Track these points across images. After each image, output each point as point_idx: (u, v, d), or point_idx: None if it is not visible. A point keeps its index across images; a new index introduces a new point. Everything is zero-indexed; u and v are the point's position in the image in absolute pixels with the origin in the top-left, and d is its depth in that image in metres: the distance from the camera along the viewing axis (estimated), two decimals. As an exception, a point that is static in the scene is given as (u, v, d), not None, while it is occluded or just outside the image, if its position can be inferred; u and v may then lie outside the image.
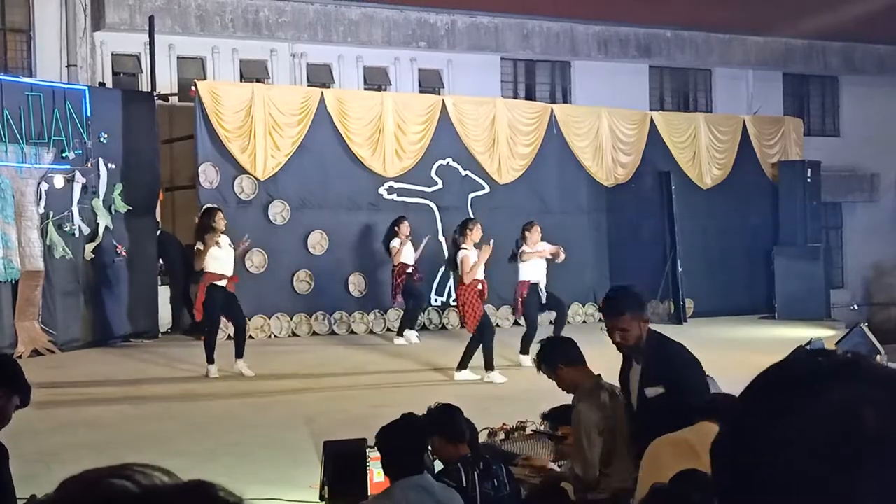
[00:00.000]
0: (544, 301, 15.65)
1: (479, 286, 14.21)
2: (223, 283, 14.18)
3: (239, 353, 14.37)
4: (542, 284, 15.59)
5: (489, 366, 13.99)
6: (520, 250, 15.65)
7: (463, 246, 14.33)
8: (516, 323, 18.94)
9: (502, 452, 8.32)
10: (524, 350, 15.16)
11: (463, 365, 14.10)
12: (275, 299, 18.08)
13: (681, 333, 19.17)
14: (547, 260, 15.78)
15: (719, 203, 22.20)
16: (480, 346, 14.03)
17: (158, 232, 18.24)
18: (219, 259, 14.17)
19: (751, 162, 22.78)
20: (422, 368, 15.17)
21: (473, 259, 14.16)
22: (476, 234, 14.42)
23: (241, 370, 14.27)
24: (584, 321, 20.58)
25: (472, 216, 17.36)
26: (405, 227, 17.60)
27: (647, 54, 26.98)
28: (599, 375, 7.30)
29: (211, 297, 14.10)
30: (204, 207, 15.53)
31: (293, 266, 18.49)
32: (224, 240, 14.37)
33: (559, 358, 7.31)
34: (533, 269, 15.57)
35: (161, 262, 18.31)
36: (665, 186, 21.52)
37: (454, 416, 6.72)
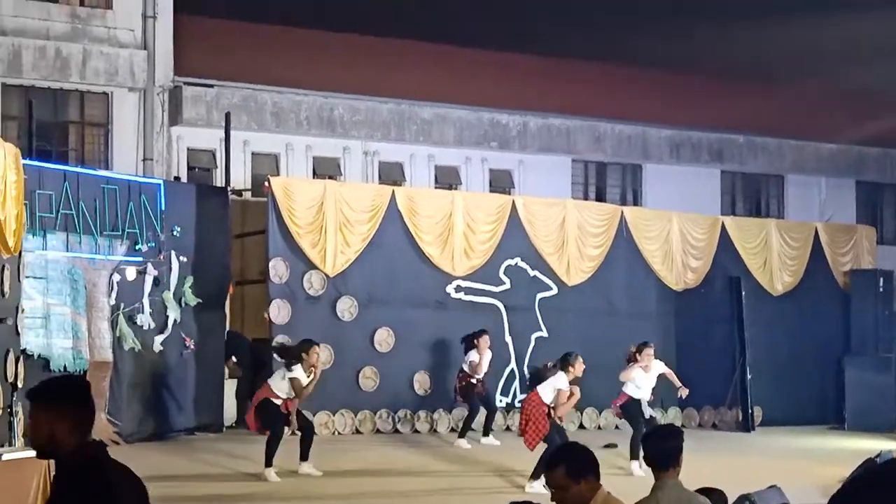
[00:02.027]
0: (647, 416, 15.55)
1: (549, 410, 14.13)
2: (279, 401, 14.32)
3: (304, 457, 14.37)
4: (646, 399, 15.56)
5: (536, 475, 13.65)
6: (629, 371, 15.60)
7: (562, 377, 14.27)
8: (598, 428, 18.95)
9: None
10: (634, 455, 15.07)
11: (536, 475, 13.74)
12: (340, 396, 18.04)
13: (749, 441, 19.07)
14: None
15: (790, 310, 21.90)
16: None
17: (227, 330, 18.35)
18: (281, 389, 14.35)
19: (822, 269, 22.51)
20: (486, 471, 14.96)
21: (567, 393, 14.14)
22: (579, 368, 14.40)
23: (308, 472, 14.24)
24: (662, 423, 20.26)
25: (539, 322, 17.40)
26: (485, 341, 17.65)
27: (719, 159, 26.97)
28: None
29: (267, 406, 14.24)
30: (303, 339, 15.29)
31: (359, 363, 18.47)
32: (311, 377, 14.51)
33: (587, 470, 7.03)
34: (641, 390, 15.65)
35: (234, 358, 18.41)
36: (735, 292, 21.31)
37: None
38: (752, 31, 26.40)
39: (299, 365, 14.32)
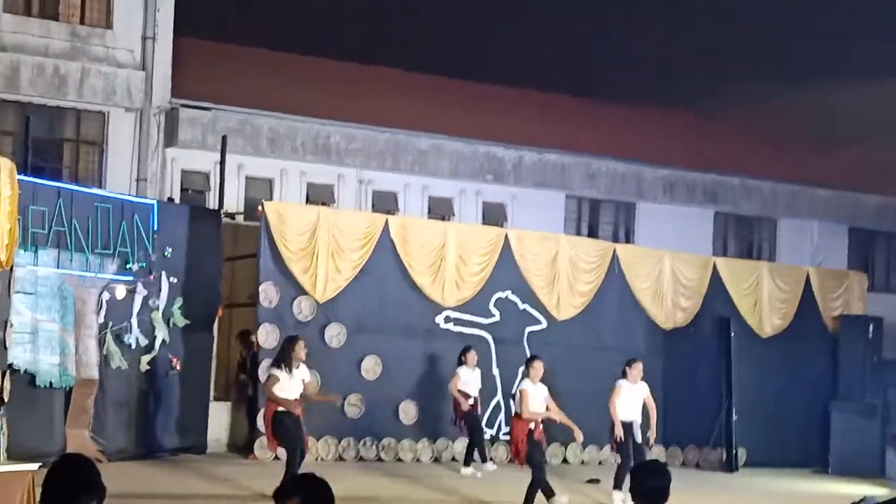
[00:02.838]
0: (638, 441, 15.49)
1: (532, 426, 14.01)
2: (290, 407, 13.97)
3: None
4: (637, 423, 15.44)
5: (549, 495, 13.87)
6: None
7: (525, 382, 14.35)
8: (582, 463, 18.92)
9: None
10: (616, 485, 15.18)
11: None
12: (324, 422, 17.96)
13: (732, 482, 19.03)
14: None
15: (778, 353, 21.91)
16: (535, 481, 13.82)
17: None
18: (286, 389, 13.94)
19: (812, 314, 22.54)
20: (478, 499, 14.93)
21: (533, 396, 14.03)
22: (535, 370, 14.34)
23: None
24: (655, 459, 20.24)
25: (528, 354, 17.33)
26: (472, 356, 17.75)
27: (712, 200, 27.06)
28: None
29: (280, 422, 13.86)
30: (287, 335, 15.39)
31: (345, 389, 18.40)
32: (301, 369, 14.19)
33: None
34: (627, 407, 15.43)
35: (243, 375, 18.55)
36: (724, 333, 21.35)
37: None
38: (749, 79, 26.59)
39: (280, 365, 14.03)
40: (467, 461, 17.63)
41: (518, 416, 14.20)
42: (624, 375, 15.69)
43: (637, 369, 15.74)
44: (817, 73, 24.36)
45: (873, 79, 29.27)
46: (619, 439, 15.27)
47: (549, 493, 13.96)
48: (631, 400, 15.50)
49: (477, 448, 17.77)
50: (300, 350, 14.22)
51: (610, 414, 15.38)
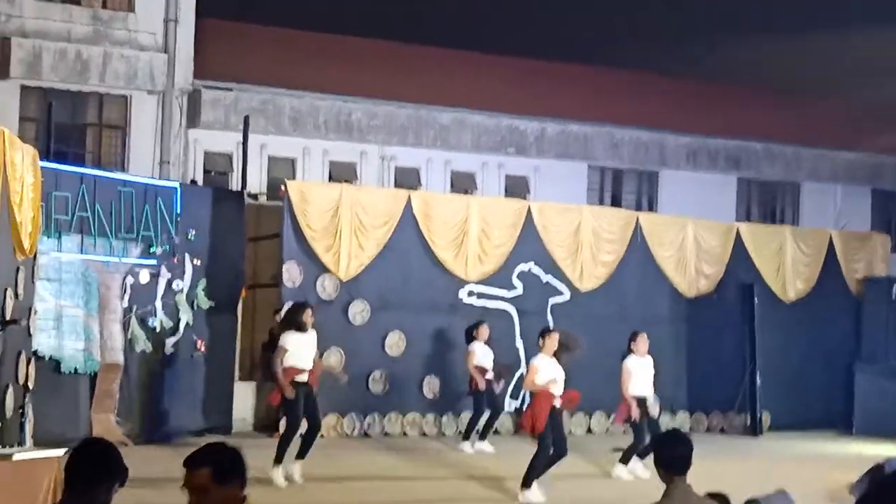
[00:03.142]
0: (653, 415, 15.44)
1: (556, 402, 13.64)
2: (304, 377, 13.91)
3: (301, 454, 14.00)
4: (651, 398, 15.38)
5: (527, 483, 13.46)
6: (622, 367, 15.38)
7: (539, 356, 13.91)
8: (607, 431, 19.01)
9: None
10: (625, 460, 15.21)
11: (527, 483, 13.54)
12: (349, 398, 18.17)
13: (756, 446, 19.11)
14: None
15: (802, 317, 21.91)
16: (538, 459, 13.60)
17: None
18: (300, 352, 13.93)
19: (835, 277, 22.50)
20: (493, 475, 15.03)
21: (544, 369, 13.69)
22: (549, 343, 13.90)
23: (293, 473, 13.91)
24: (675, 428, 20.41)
25: (550, 325, 17.32)
26: (484, 331, 17.72)
27: (735, 166, 27.02)
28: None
29: (294, 397, 13.79)
30: (293, 303, 15.55)
31: (369, 366, 18.62)
32: (310, 335, 14.21)
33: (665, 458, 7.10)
34: (641, 382, 15.36)
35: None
36: (748, 299, 21.38)
37: None
38: (771, 43, 26.43)
39: (289, 331, 14.03)
40: (483, 434, 17.68)
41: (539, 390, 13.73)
42: (629, 350, 15.52)
43: (643, 342, 15.58)
44: (836, 22, 24.23)
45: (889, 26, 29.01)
46: (634, 420, 15.21)
47: (527, 483, 13.50)
48: (641, 375, 15.35)
49: (485, 423, 17.71)
50: (307, 317, 14.19)
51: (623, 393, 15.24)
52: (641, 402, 15.22)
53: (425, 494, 13.73)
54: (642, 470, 15.04)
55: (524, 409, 14.36)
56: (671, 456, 7.01)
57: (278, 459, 13.84)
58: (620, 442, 18.02)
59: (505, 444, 17.81)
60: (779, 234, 22.56)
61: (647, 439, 15.09)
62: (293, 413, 13.94)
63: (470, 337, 17.76)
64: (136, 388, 16.65)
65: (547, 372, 13.67)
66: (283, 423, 14.87)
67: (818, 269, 22.39)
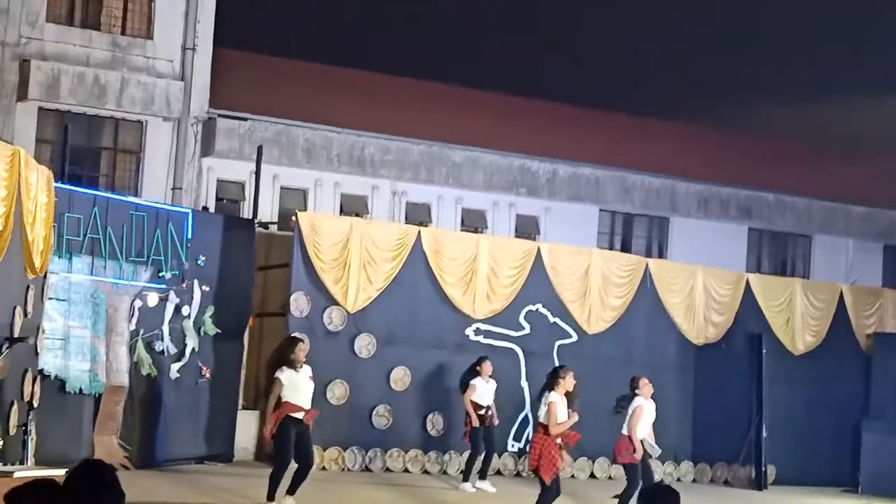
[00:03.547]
0: (654, 456, 15.32)
1: (560, 441, 13.56)
2: (300, 415, 13.72)
3: (291, 490, 13.75)
4: (652, 440, 15.26)
5: None
6: (633, 407, 15.11)
7: (553, 391, 13.68)
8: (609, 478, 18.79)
9: None
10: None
11: None
12: (352, 432, 18.09)
13: (761, 500, 18.95)
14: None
15: (810, 370, 21.78)
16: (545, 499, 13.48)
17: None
18: (298, 389, 13.74)
19: (845, 331, 22.39)
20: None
21: (562, 409, 13.56)
22: (568, 382, 13.77)
23: None
24: (662, 479, 20.22)
25: (559, 364, 17.14)
26: (487, 367, 17.62)
27: (747, 216, 27.01)
28: None
29: (286, 431, 13.58)
30: (287, 337, 15.43)
31: (374, 400, 18.54)
32: (305, 370, 13.97)
33: None
34: (646, 427, 15.13)
35: None
36: (756, 349, 21.27)
37: None
38: (787, 97, 26.51)
39: (283, 367, 13.79)
40: (481, 475, 17.53)
41: (545, 429, 13.62)
42: (634, 393, 15.20)
43: (647, 385, 15.31)
44: (853, 87, 24.27)
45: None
46: (637, 458, 15.05)
47: None
48: (648, 418, 15.18)
49: (483, 462, 17.51)
50: (300, 352, 13.97)
51: (629, 433, 15.00)
52: (642, 443, 15.05)
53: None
54: None
55: (531, 449, 14.08)
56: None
57: (270, 496, 13.69)
58: (623, 488, 17.93)
59: (506, 486, 17.68)
60: (789, 285, 22.47)
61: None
62: (283, 448, 13.70)
63: (473, 372, 17.65)
64: (139, 412, 16.58)
65: (563, 409, 13.55)
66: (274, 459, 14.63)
67: (828, 323, 22.29)
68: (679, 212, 26.46)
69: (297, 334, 16.02)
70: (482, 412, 17.32)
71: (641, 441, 14.94)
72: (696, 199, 26.58)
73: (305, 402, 13.83)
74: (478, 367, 17.60)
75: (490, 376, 17.59)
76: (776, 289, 22.18)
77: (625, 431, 15.02)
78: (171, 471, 16.61)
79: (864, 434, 21.52)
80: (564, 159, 25.55)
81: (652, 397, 15.48)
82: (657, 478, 19.66)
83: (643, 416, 15.05)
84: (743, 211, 26.95)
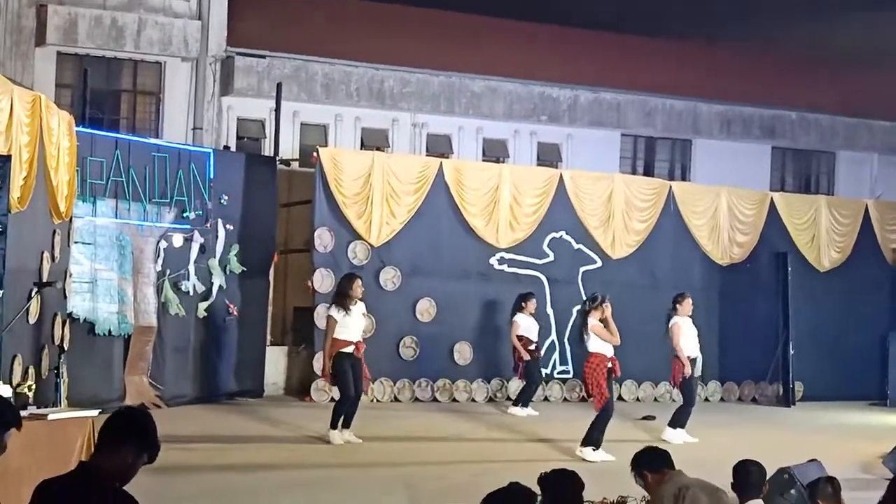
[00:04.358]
0: (697, 376, 15.53)
1: (609, 364, 13.80)
2: (350, 349, 14.17)
3: (346, 423, 14.25)
4: (699, 359, 15.45)
5: (588, 442, 13.69)
6: (670, 326, 15.43)
7: (590, 316, 14.00)
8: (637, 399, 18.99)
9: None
10: (674, 423, 15.18)
11: (587, 442, 13.72)
12: (379, 364, 18.22)
13: (789, 416, 19.08)
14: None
15: (836, 286, 21.80)
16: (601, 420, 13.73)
17: None
18: (348, 327, 14.17)
19: (870, 246, 22.37)
20: (527, 439, 15.10)
21: (685, 328, 14.44)
22: (606, 310, 14.06)
23: (348, 439, 14.18)
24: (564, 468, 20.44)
25: (582, 294, 17.28)
26: (531, 304, 17.91)
27: (770, 135, 26.86)
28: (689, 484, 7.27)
29: (341, 366, 14.08)
30: (344, 274, 15.72)
31: (400, 332, 18.71)
32: (358, 307, 14.40)
33: (645, 466, 7.38)
34: (691, 343, 15.40)
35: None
36: (781, 268, 21.30)
37: (572, 486, 6.44)
38: (808, 12, 26.15)
39: (336, 304, 14.30)
40: (523, 402, 17.79)
41: (592, 357, 13.84)
42: (674, 310, 15.52)
43: (688, 303, 15.61)
44: (876, 1, 23.98)
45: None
46: (686, 375, 15.21)
47: (587, 443, 13.73)
48: (690, 335, 15.43)
49: (527, 394, 17.87)
50: (357, 288, 14.41)
51: (676, 351, 15.26)
52: (692, 362, 15.24)
53: (454, 457, 13.77)
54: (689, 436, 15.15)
55: (585, 383, 14.32)
56: (650, 458, 7.30)
57: (333, 425, 14.15)
58: (651, 409, 18.11)
59: (551, 411, 17.87)
60: (814, 203, 22.42)
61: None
62: (343, 383, 14.21)
63: (518, 307, 17.84)
64: (169, 351, 16.80)
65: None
66: (336, 391, 15.27)
67: (853, 239, 22.27)
68: (702, 134, 26.32)
69: (350, 272, 16.21)
70: (531, 347, 17.60)
71: (693, 360, 15.18)
72: (718, 121, 26.43)
73: (354, 337, 14.29)
74: (522, 304, 17.82)
75: (532, 313, 17.79)
76: (801, 206, 22.14)
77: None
78: (203, 407, 16.85)
79: (891, 347, 21.54)
80: (585, 85, 25.41)
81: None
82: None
83: (682, 335, 15.19)
84: (766, 130, 26.79)
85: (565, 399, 19.49)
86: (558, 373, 19.64)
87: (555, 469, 6.61)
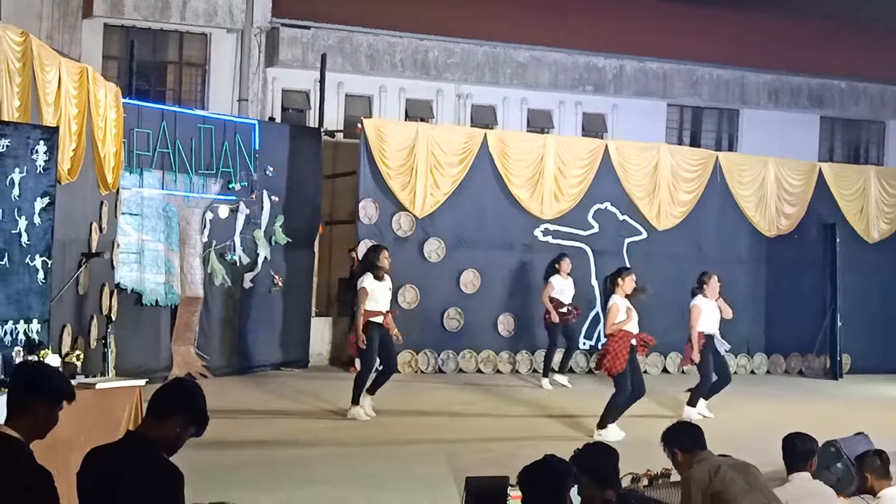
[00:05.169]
0: (722, 352, 15.30)
1: (633, 341, 13.46)
2: (380, 319, 13.94)
3: (371, 390, 14.08)
4: (718, 335, 15.23)
5: (603, 424, 13.37)
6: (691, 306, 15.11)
7: (614, 294, 13.66)
8: (682, 372, 18.87)
9: (646, 499, 8.24)
10: (692, 402, 15.02)
11: (603, 424, 13.42)
12: (424, 335, 18.33)
13: (836, 389, 18.95)
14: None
15: (885, 258, 21.56)
16: (617, 399, 13.46)
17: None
18: (376, 298, 13.95)
19: (921, 217, 22.12)
20: (568, 413, 15.07)
21: (622, 309, 13.49)
22: (628, 284, 13.68)
23: (364, 406, 14.04)
24: (736, 372, 20.32)
25: (626, 265, 17.05)
26: (566, 265, 17.76)
27: (818, 105, 26.59)
28: (719, 464, 7.23)
29: (370, 337, 13.82)
30: (370, 245, 15.47)
31: (444, 303, 18.73)
32: (386, 281, 14.14)
33: (676, 444, 7.32)
34: (709, 320, 15.09)
35: None
36: (830, 239, 21.09)
37: (606, 459, 6.40)
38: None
39: (368, 273, 14.00)
40: (562, 368, 17.80)
41: (616, 331, 13.48)
42: (701, 289, 15.13)
43: (714, 284, 15.14)
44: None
45: None
46: (693, 361, 15.06)
47: (604, 424, 13.41)
48: (710, 313, 15.03)
49: (563, 357, 17.83)
50: (384, 259, 14.12)
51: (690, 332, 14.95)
52: (709, 338, 15.00)
53: (496, 431, 13.79)
54: (707, 411, 15.01)
55: (602, 349, 14.10)
56: (686, 437, 7.26)
57: (355, 400, 13.97)
58: (695, 382, 18.02)
59: (579, 384, 17.85)
60: (863, 173, 22.16)
61: (714, 378, 15.05)
62: (368, 355, 13.96)
63: (552, 269, 17.78)
64: (215, 322, 16.94)
65: (624, 311, 13.54)
66: (357, 363, 14.98)
67: (903, 210, 22.03)
68: (749, 103, 26.10)
69: (375, 242, 16.07)
70: (563, 309, 17.46)
71: (710, 336, 14.95)
72: (766, 90, 26.18)
73: (384, 307, 14.06)
74: (557, 265, 17.75)
75: (569, 273, 17.72)
76: (849, 177, 21.90)
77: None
78: (249, 378, 16.97)
79: (939, 319, 21.34)
80: (631, 54, 25.23)
81: (723, 291, 15.43)
82: (731, 371, 19.83)
83: (702, 314, 14.98)
84: (814, 99, 26.52)
85: (590, 371, 19.23)
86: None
87: (587, 444, 6.61)
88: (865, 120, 27.29)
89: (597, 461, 6.31)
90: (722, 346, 15.17)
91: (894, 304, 21.57)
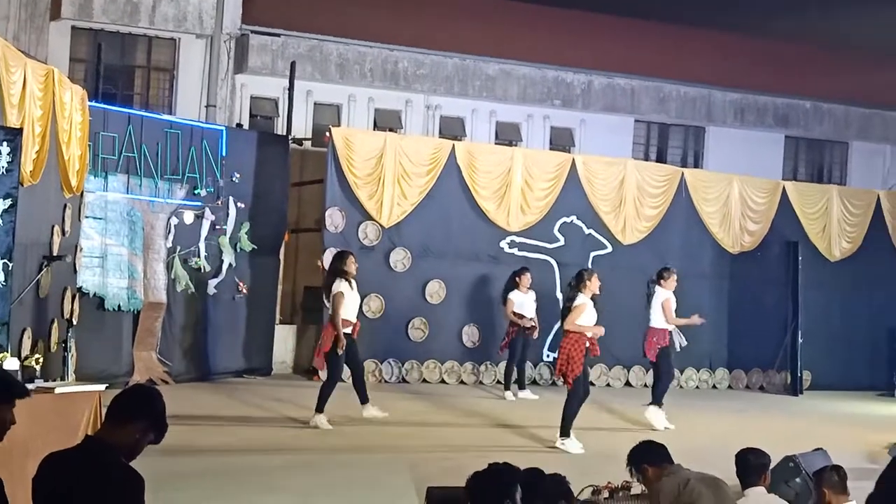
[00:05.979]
0: (678, 349, 15.44)
1: (588, 344, 13.34)
2: (348, 329, 13.91)
3: (364, 399, 14.22)
4: (677, 332, 15.40)
5: (566, 432, 13.29)
6: (655, 302, 15.38)
7: (580, 293, 13.46)
8: (644, 385, 18.95)
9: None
10: (656, 401, 15.07)
11: (565, 432, 13.34)
12: (388, 345, 18.33)
13: (796, 405, 19.06)
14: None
15: (846, 277, 21.79)
16: (571, 405, 13.36)
17: None
18: (347, 305, 13.90)
19: (882, 238, 22.31)
20: (530, 423, 15.08)
21: (589, 310, 13.40)
22: (594, 284, 13.58)
23: (374, 415, 14.16)
24: (698, 387, 20.53)
25: (583, 268, 17.03)
26: (526, 279, 17.76)
27: (783, 124, 26.81)
28: (688, 477, 7.30)
29: (336, 348, 13.78)
30: (336, 252, 15.32)
31: (409, 313, 18.74)
32: (354, 285, 14.13)
33: (645, 460, 7.40)
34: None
35: None
36: (792, 256, 21.28)
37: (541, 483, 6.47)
38: (822, 1, 26.11)
39: (340, 279, 13.94)
40: (521, 384, 17.82)
41: (568, 332, 13.37)
42: (659, 283, 15.46)
43: (673, 280, 15.52)
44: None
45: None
46: (660, 346, 15.15)
47: (566, 432, 13.32)
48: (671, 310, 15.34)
49: (517, 372, 17.80)
50: (351, 265, 14.10)
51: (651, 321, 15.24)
52: (669, 334, 15.22)
53: (458, 441, 13.78)
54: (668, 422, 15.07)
55: (558, 350, 13.95)
56: (650, 452, 7.33)
57: (319, 409, 13.89)
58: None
59: (544, 395, 17.88)
60: (825, 192, 22.38)
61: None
62: (336, 364, 13.95)
63: (512, 283, 17.79)
64: (178, 328, 16.86)
65: (591, 312, 13.45)
66: (323, 374, 14.94)
67: (864, 229, 22.22)
68: (715, 121, 26.27)
69: (342, 249, 15.99)
70: (525, 322, 17.50)
71: (670, 333, 15.16)
72: (732, 108, 26.37)
73: (353, 316, 14.04)
74: (517, 278, 17.77)
75: (529, 287, 17.75)
76: (813, 196, 22.10)
77: (651, 324, 15.22)
78: (211, 384, 16.90)
79: (899, 338, 21.54)
80: (599, 70, 25.36)
81: (686, 306, 15.59)
82: (693, 385, 19.96)
83: (670, 307, 15.18)
84: (779, 119, 26.73)
85: (553, 382, 19.23)
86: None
87: (529, 468, 6.55)
88: (829, 140, 27.53)
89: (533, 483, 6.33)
90: (678, 342, 15.35)
91: (854, 321, 21.78)
